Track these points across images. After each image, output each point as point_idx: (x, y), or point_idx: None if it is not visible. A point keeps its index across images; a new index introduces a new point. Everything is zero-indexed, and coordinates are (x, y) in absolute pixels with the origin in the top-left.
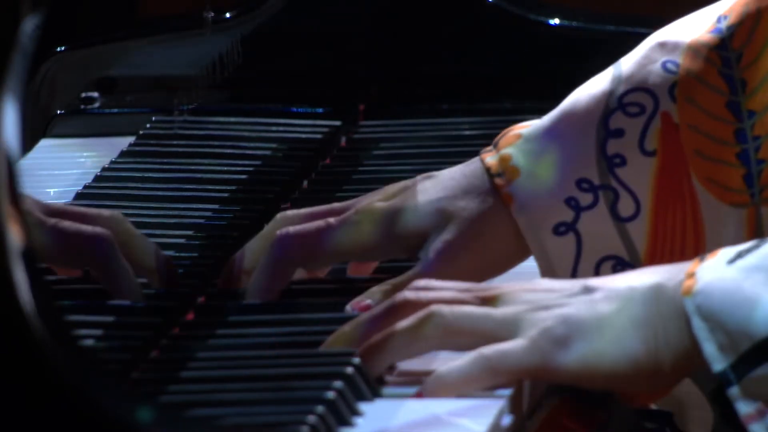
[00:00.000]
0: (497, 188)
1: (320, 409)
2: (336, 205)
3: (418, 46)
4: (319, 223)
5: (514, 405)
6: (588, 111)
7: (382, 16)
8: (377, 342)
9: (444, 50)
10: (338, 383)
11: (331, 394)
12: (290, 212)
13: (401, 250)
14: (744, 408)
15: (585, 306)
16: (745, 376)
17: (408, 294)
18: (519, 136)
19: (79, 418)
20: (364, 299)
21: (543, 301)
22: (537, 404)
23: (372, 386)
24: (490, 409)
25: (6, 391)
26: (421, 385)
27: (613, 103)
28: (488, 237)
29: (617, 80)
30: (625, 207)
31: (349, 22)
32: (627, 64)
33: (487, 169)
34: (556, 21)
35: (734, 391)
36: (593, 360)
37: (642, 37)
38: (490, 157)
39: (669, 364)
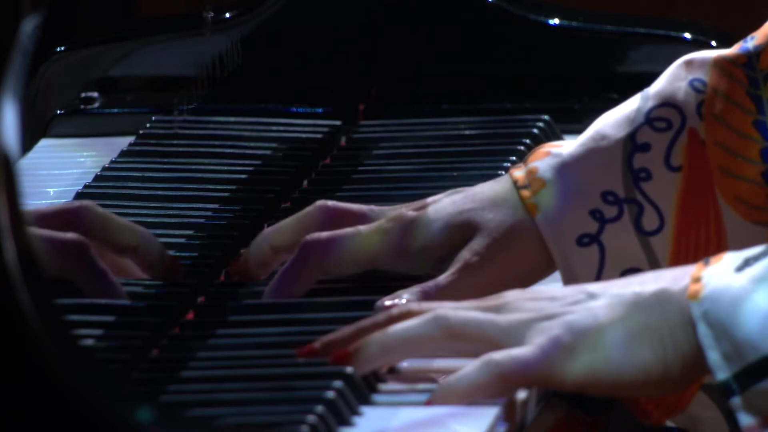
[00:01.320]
0: (523, 199)
1: (320, 409)
2: (371, 208)
3: (418, 46)
4: (348, 230)
5: (509, 412)
6: (616, 125)
7: (382, 16)
8: (381, 340)
9: (444, 50)
10: (338, 383)
11: (331, 394)
12: (330, 203)
13: (428, 261)
14: (745, 420)
15: (589, 314)
16: (750, 388)
17: (411, 305)
18: (548, 152)
19: (79, 418)
20: (395, 299)
21: (547, 309)
22: (532, 412)
23: (372, 386)
24: (486, 416)
25: (6, 390)
26: (431, 394)
27: (641, 118)
28: (514, 249)
29: (645, 97)
30: (650, 221)
31: (349, 22)
32: (656, 83)
33: (515, 182)
34: (556, 21)
35: (736, 401)
36: (600, 367)
37: (642, 37)
38: (517, 171)
39: (678, 369)
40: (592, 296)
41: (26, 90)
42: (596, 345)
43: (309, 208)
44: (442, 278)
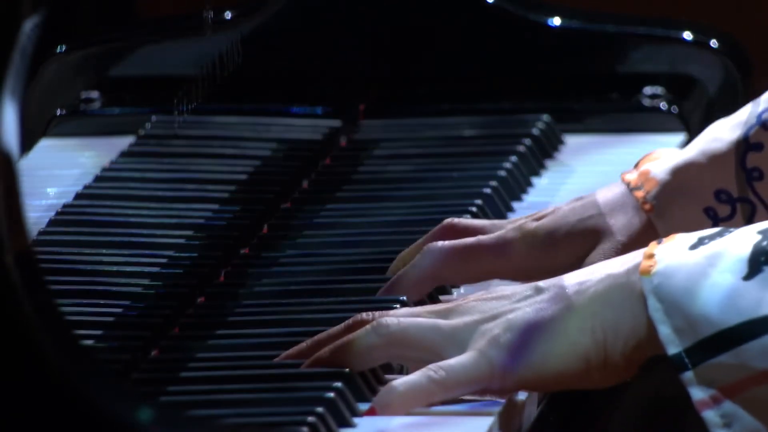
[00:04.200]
0: (637, 199)
1: (320, 409)
2: (492, 222)
3: (418, 46)
4: (471, 240)
5: (507, 416)
6: (729, 128)
7: (382, 17)
8: (326, 355)
9: (444, 50)
10: (338, 383)
11: (331, 394)
12: (456, 220)
13: (550, 271)
14: (698, 394)
15: (531, 309)
16: (704, 362)
17: (364, 314)
18: (659, 156)
19: (79, 418)
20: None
21: (494, 309)
22: (531, 415)
23: (372, 387)
24: (485, 418)
25: (6, 390)
26: (374, 399)
27: (753, 120)
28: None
29: (757, 103)
30: (762, 220)
31: (349, 22)
32: None
33: (627, 184)
34: (556, 21)
35: (688, 375)
36: (540, 362)
37: (642, 37)
38: (629, 175)
39: (619, 354)
40: (539, 291)
41: (26, 90)
42: (535, 340)
43: (437, 227)
44: None
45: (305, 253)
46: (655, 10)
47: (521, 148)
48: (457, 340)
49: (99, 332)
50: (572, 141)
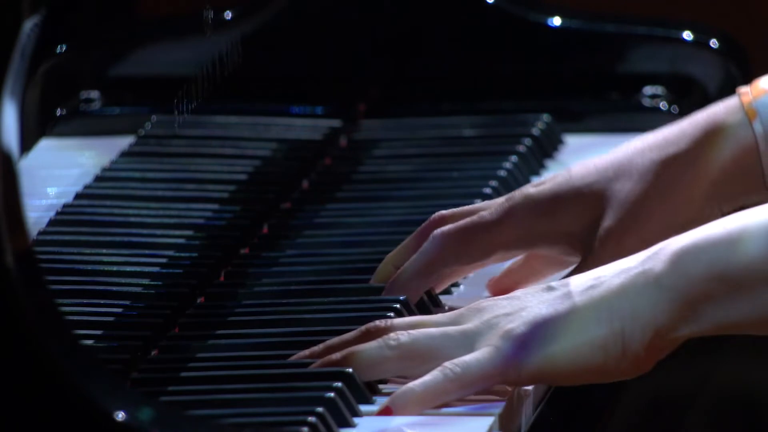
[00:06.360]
0: (743, 104)
1: (320, 409)
2: (475, 205)
3: (418, 46)
4: (472, 218)
5: (508, 414)
6: None
7: (382, 17)
8: (337, 360)
9: (444, 50)
10: (338, 383)
11: (331, 394)
12: (444, 212)
13: (552, 236)
14: None
15: (545, 305)
16: None
17: (378, 322)
18: None
19: (79, 417)
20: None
21: (505, 308)
22: (530, 415)
23: (372, 387)
24: (485, 418)
25: (6, 390)
26: (389, 398)
27: None
28: (644, 219)
29: None
30: None
31: (349, 22)
32: None
33: (739, 95)
34: (556, 21)
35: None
36: (556, 354)
37: (642, 37)
38: (742, 89)
39: (638, 342)
40: (551, 289)
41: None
42: (550, 333)
43: (425, 222)
44: (584, 263)
45: (305, 253)
46: (655, 10)
47: (521, 148)
48: (467, 343)
49: (99, 332)
50: (572, 141)
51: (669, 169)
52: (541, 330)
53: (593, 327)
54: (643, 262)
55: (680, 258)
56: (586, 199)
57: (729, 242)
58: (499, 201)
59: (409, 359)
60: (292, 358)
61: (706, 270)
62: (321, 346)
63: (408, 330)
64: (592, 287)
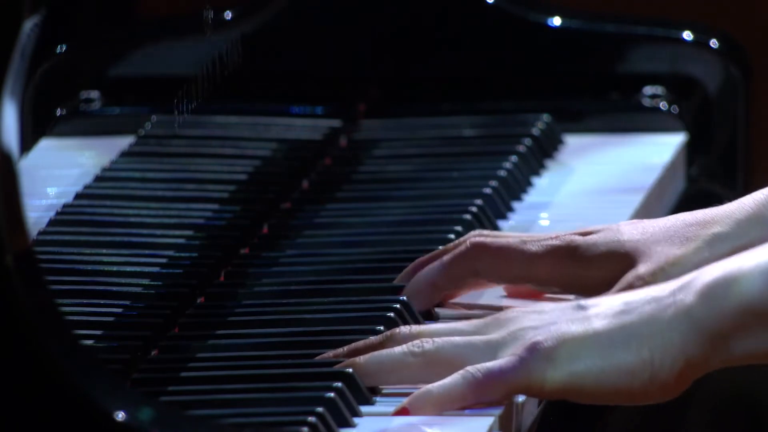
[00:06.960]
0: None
1: (320, 409)
2: (522, 234)
3: (418, 46)
4: (516, 242)
5: (506, 418)
6: None
7: (382, 17)
8: (360, 364)
9: (444, 50)
10: (338, 383)
11: (331, 394)
12: (482, 238)
13: (588, 285)
14: None
15: (575, 323)
16: None
17: (403, 328)
18: None
19: (79, 417)
20: None
21: (534, 321)
22: (529, 419)
23: (372, 388)
24: (485, 420)
25: (6, 390)
26: (407, 399)
27: None
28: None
29: None
30: None
31: (349, 22)
32: None
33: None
34: (556, 21)
35: None
36: (582, 373)
37: (642, 37)
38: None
39: (667, 372)
40: (582, 308)
41: (26, 90)
42: (578, 351)
43: (462, 248)
44: None
45: (305, 253)
46: (655, 10)
47: (521, 148)
48: (492, 353)
49: (99, 332)
50: (572, 141)
51: (712, 247)
52: (568, 347)
53: (621, 352)
54: (674, 293)
55: (712, 290)
56: (628, 253)
57: (760, 274)
58: (544, 236)
59: (431, 367)
60: (319, 357)
61: (737, 302)
62: (345, 348)
63: (433, 337)
64: (623, 312)
